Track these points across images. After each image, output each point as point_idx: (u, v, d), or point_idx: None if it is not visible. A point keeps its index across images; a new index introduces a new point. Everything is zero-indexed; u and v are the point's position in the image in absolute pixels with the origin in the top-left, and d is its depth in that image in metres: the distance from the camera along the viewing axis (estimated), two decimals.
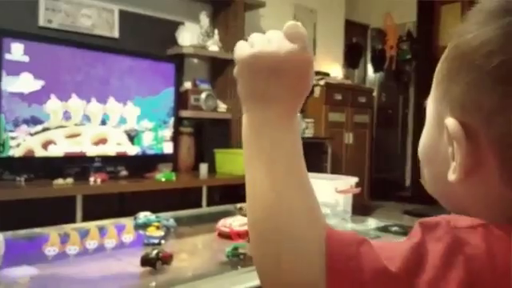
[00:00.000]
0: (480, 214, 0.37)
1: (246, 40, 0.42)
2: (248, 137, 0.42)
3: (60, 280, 0.96)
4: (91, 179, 2.39)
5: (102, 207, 2.32)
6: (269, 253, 0.38)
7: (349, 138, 4.16)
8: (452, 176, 0.39)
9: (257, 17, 3.54)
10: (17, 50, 2.22)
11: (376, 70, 5.74)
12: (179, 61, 2.98)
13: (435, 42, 4.96)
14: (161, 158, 2.85)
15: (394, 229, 1.43)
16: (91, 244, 1.27)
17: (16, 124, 2.23)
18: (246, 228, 1.21)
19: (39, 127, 2.30)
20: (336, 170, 3.76)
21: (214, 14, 3.26)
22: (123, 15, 2.82)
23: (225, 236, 1.24)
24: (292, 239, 0.37)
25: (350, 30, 5.06)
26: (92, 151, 2.51)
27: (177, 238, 1.30)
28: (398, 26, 5.47)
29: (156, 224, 1.29)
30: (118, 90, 2.60)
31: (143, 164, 2.76)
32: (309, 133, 3.81)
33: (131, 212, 1.40)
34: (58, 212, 2.09)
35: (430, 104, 0.43)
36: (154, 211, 1.39)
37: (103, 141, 2.56)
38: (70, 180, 2.32)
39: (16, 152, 2.24)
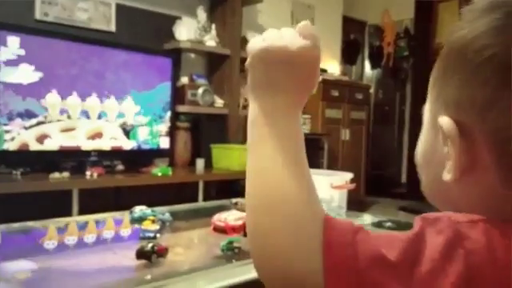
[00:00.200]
0: (475, 214, 0.36)
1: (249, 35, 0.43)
2: (257, 121, 0.42)
3: (55, 273, 0.96)
4: (88, 173, 2.39)
5: (98, 201, 2.32)
6: (268, 229, 0.39)
7: (345, 134, 4.17)
8: (447, 176, 0.39)
9: (254, 12, 3.54)
10: (13, 43, 2.21)
11: (373, 67, 5.75)
12: (176, 55, 2.97)
13: (433, 40, 4.96)
14: (157, 153, 2.86)
15: (388, 224, 1.44)
16: (87, 237, 1.28)
17: (10, 117, 2.22)
18: (240, 222, 1.22)
19: (34, 121, 2.30)
20: (332, 166, 3.77)
21: (212, 8, 3.25)
22: (120, 9, 2.81)
23: (220, 230, 1.24)
24: (292, 219, 0.38)
25: (348, 27, 5.06)
26: (87, 145, 2.51)
27: (172, 232, 1.30)
28: (396, 23, 5.47)
29: (151, 218, 1.30)
30: (115, 85, 2.59)
31: (140, 158, 2.76)
32: (305, 129, 3.81)
33: (127, 206, 1.41)
34: (55, 206, 2.10)
35: (427, 108, 0.44)
36: (150, 206, 1.39)
37: (99, 135, 2.56)
38: (66, 174, 2.32)
39: (10, 145, 2.23)
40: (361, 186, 4.27)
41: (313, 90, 0.44)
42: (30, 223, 1.29)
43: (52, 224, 1.33)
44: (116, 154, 2.64)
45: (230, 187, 2.88)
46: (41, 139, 2.33)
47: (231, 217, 1.26)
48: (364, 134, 4.43)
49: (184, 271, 0.97)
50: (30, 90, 2.27)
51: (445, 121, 0.38)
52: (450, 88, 0.39)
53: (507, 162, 0.36)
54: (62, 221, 1.41)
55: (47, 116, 2.34)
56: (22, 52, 2.23)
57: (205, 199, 2.72)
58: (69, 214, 2.18)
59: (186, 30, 3.00)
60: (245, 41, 3.27)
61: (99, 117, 2.54)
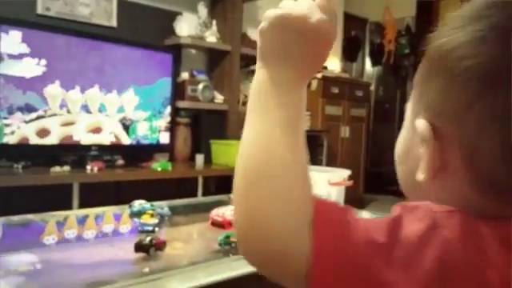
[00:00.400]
0: None
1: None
2: (264, 89, 0.41)
3: (55, 266, 0.98)
4: (88, 167, 2.40)
5: (98, 195, 2.34)
6: (259, 195, 0.38)
7: (345, 131, 4.18)
8: (420, 176, 0.40)
9: (255, 8, 3.54)
10: (14, 38, 2.22)
11: (374, 64, 5.75)
12: (177, 51, 2.98)
13: None
14: (157, 148, 2.87)
15: None
16: (87, 231, 1.29)
17: (10, 111, 2.23)
18: None
19: (34, 115, 2.31)
20: (331, 163, 3.78)
21: (213, 4, 3.25)
22: (121, 4, 2.82)
23: (218, 225, 1.26)
24: (282, 188, 0.38)
25: (349, 24, 5.05)
26: (87, 140, 2.52)
27: (171, 226, 1.32)
28: (397, 20, 5.46)
29: (150, 212, 1.31)
30: (115, 79, 2.60)
31: (140, 153, 2.78)
32: (305, 125, 3.82)
33: (127, 201, 1.42)
34: (55, 199, 2.11)
35: (409, 106, 0.45)
36: (150, 200, 1.40)
37: (98, 130, 2.57)
38: (66, 168, 2.33)
39: (10, 139, 2.24)
40: (360, 183, 4.29)
41: (322, 64, 0.43)
42: (31, 216, 1.31)
43: (52, 218, 1.34)
44: (116, 148, 2.65)
45: (229, 183, 2.88)
46: (41, 133, 2.34)
47: (229, 212, 1.27)
48: (364, 131, 4.44)
49: (182, 265, 0.98)
50: (31, 84, 2.28)
51: (421, 123, 0.40)
52: (431, 92, 0.40)
53: (475, 169, 0.37)
54: (62, 214, 1.42)
55: (47, 110, 2.35)
56: (24, 46, 2.24)
57: (204, 194, 2.74)
58: (69, 207, 2.20)
59: (186, 26, 3.01)
60: (245, 37, 3.28)
61: (99, 111, 2.56)
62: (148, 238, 0.99)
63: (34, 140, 2.32)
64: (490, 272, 0.34)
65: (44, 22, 2.46)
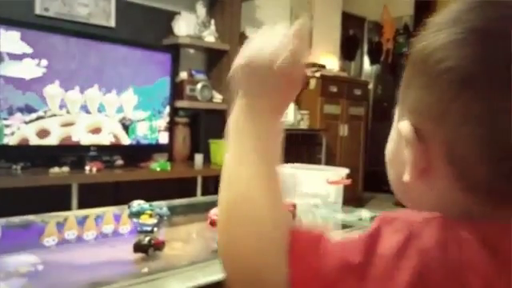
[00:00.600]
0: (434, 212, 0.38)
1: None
2: (241, 118, 0.44)
3: (54, 267, 0.98)
4: (87, 168, 2.41)
5: (97, 196, 2.34)
6: (234, 239, 0.41)
7: (344, 130, 4.19)
8: (406, 177, 0.41)
9: (253, 7, 3.54)
10: (13, 38, 2.22)
11: (372, 63, 5.75)
12: (175, 51, 2.98)
13: None
14: (156, 148, 2.87)
15: None
16: (86, 232, 1.30)
17: (10, 112, 2.24)
18: None
19: (34, 115, 2.31)
20: (330, 161, 3.79)
21: (211, 4, 3.25)
22: (120, 4, 2.82)
23: (216, 225, 1.26)
24: (255, 224, 0.40)
25: (347, 22, 5.06)
26: (87, 140, 2.52)
27: (170, 226, 1.32)
28: (395, 19, 5.47)
29: (149, 212, 1.31)
30: (114, 80, 2.61)
31: (139, 154, 2.78)
32: (304, 124, 3.83)
33: (126, 201, 1.42)
34: (54, 200, 2.12)
35: (397, 108, 0.46)
36: (149, 200, 1.41)
37: (97, 130, 2.57)
38: (65, 169, 2.33)
39: (10, 140, 2.25)
40: (359, 181, 4.30)
41: (293, 99, 0.46)
42: (30, 217, 1.31)
43: (51, 218, 1.35)
44: (115, 149, 2.66)
45: None
46: (41, 134, 2.35)
47: None
48: (362, 129, 4.45)
49: (181, 265, 0.98)
50: (30, 85, 2.28)
51: (404, 125, 0.40)
52: (412, 95, 0.41)
53: (457, 171, 0.38)
54: (61, 215, 1.42)
55: (47, 111, 2.36)
56: (22, 47, 2.24)
57: (203, 194, 2.74)
58: (68, 208, 2.20)
59: (185, 26, 3.01)
60: (244, 36, 3.28)
61: (99, 111, 2.56)
62: (147, 238, 0.99)
63: (34, 141, 2.32)
64: (471, 276, 0.34)
65: (42, 23, 2.46)
